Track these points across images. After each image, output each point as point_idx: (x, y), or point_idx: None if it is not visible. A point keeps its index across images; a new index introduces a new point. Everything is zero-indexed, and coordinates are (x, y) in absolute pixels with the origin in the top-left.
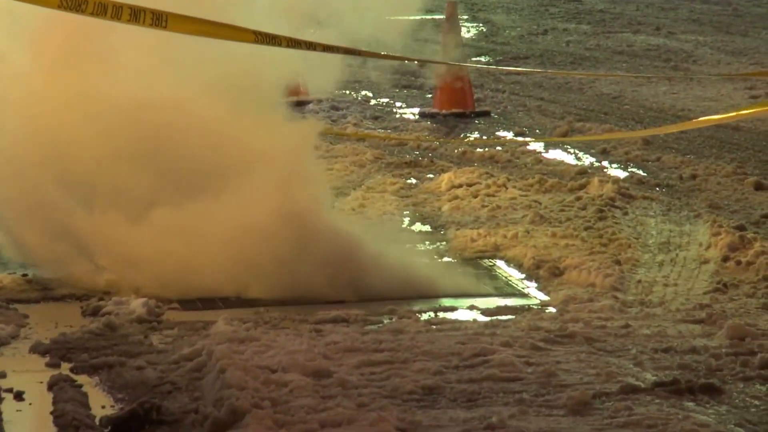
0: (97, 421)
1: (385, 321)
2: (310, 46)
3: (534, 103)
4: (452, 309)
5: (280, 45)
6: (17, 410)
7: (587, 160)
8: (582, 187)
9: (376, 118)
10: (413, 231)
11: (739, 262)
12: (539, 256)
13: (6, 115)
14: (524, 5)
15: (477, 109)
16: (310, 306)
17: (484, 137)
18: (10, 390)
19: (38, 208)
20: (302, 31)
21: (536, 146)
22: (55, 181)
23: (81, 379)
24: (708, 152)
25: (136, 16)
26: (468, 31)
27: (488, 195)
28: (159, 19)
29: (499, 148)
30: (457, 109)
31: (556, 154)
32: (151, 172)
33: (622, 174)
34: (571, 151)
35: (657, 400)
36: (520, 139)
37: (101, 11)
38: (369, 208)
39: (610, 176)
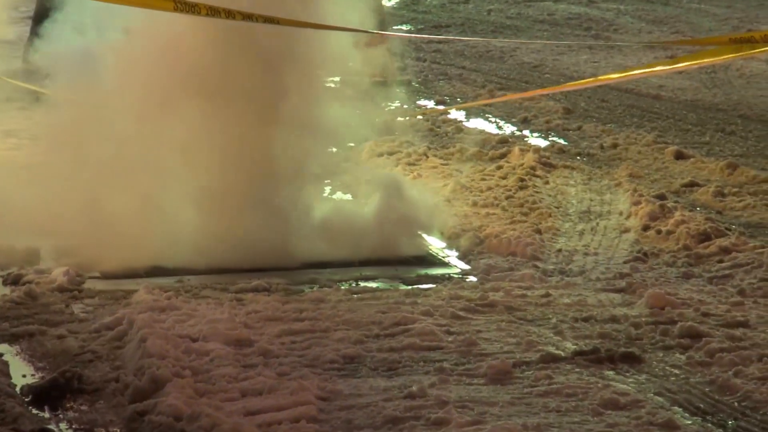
0: (18, 389)
1: (306, 290)
2: (229, 14)
3: (455, 72)
4: (373, 278)
5: (199, 13)
6: None
7: (508, 129)
8: (503, 156)
9: None
10: (334, 200)
11: (659, 231)
12: (460, 225)
13: None
14: None
15: (398, 78)
16: (231, 275)
17: (405, 106)
18: None
19: None
20: None
21: (457, 115)
22: None
23: (1, 348)
24: (629, 121)
25: None
26: None
27: (409, 164)
28: None
29: (420, 117)
30: (378, 78)
31: (477, 123)
32: None
33: (542, 143)
34: (492, 120)
35: (577, 369)
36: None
37: None
38: None
39: (530, 145)
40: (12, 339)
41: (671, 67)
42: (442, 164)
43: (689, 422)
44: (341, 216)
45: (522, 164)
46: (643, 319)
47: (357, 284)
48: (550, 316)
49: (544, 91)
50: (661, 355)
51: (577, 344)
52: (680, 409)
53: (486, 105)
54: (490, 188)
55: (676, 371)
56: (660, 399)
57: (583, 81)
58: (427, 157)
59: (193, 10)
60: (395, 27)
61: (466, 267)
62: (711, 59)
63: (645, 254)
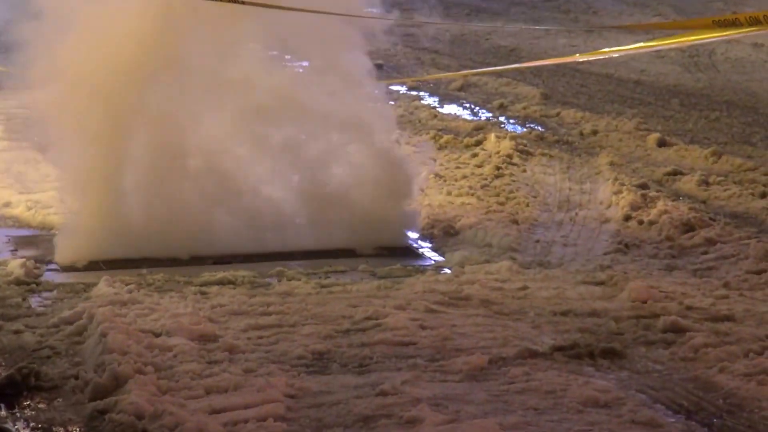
0: None
1: (274, 283)
2: None
3: (428, 56)
4: (343, 270)
5: None
6: None
7: (484, 115)
8: (478, 143)
9: None
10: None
11: (641, 222)
12: (434, 215)
13: None
14: None
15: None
16: (195, 267)
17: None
18: None
19: None
20: None
21: (431, 101)
22: None
23: None
24: (609, 107)
25: None
26: None
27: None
28: None
29: (392, 102)
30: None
31: (451, 110)
32: None
33: (520, 130)
34: (467, 106)
35: (556, 365)
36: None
37: None
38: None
39: (507, 132)
40: None
41: (655, 43)
42: (415, 152)
43: (672, 420)
44: (311, 205)
45: (498, 152)
46: (625, 313)
47: (326, 276)
48: (528, 310)
49: (519, 66)
50: (644, 350)
51: (555, 339)
52: (663, 407)
53: (460, 90)
54: (465, 177)
55: (659, 367)
56: (642, 396)
57: (561, 58)
58: (400, 144)
59: None
60: (365, 9)
61: (441, 259)
62: (694, 38)
63: (626, 245)
